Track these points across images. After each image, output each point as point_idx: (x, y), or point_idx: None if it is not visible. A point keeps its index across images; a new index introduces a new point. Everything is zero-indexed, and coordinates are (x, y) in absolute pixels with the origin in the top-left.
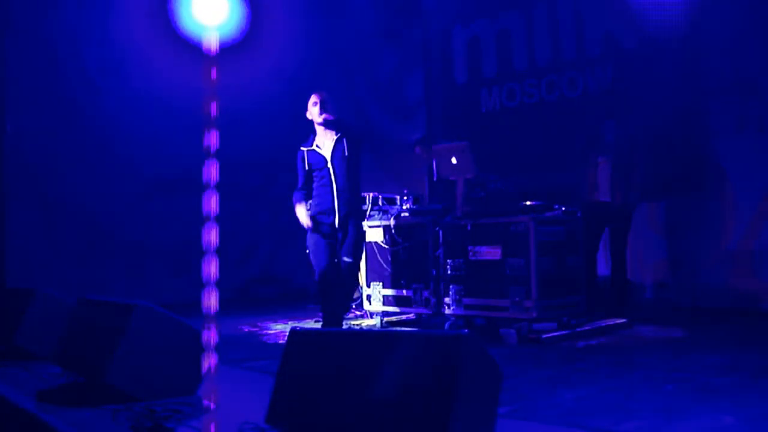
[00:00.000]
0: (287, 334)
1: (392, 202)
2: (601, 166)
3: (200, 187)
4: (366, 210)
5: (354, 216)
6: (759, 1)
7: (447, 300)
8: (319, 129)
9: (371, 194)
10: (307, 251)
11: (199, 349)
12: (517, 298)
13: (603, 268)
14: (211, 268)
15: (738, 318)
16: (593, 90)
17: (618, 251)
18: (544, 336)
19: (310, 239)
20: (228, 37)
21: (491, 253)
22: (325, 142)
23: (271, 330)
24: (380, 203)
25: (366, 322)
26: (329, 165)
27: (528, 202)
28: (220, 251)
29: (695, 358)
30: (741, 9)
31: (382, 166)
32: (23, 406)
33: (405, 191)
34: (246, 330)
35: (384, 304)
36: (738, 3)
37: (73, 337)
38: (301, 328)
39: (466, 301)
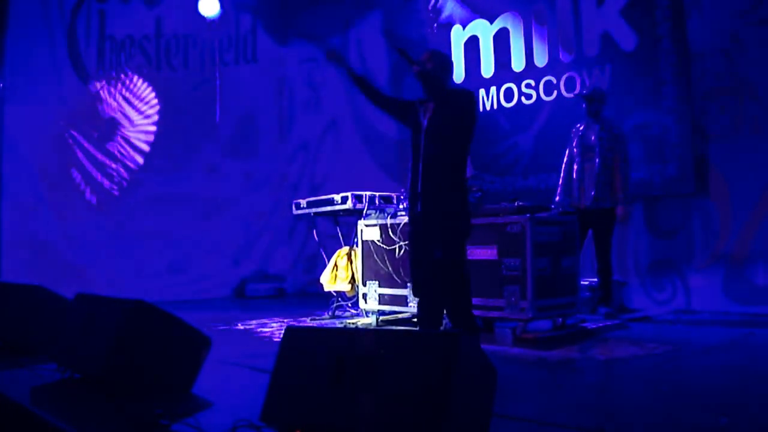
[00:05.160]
0: (282, 332)
1: (389, 200)
2: (585, 169)
3: (197, 184)
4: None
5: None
6: (754, 3)
7: None
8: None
9: (368, 193)
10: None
11: (194, 347)
12: (512, 298)
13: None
14: None
15: (732, 321)
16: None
17: (602, 253)
18: (539, 336)
19: None
20: None
21: (487, 252)
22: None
23: (267, 328)
24: (377, 202)
25: (362, 321)
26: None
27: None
28: (217, 249)
29: (690, 360)
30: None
31: (379, 165)
32: (19, 403)
33: (402, 190)
34: (241, 328)
35: (380, 302)
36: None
37: (70, 333)
38: (297, 326)
39: None
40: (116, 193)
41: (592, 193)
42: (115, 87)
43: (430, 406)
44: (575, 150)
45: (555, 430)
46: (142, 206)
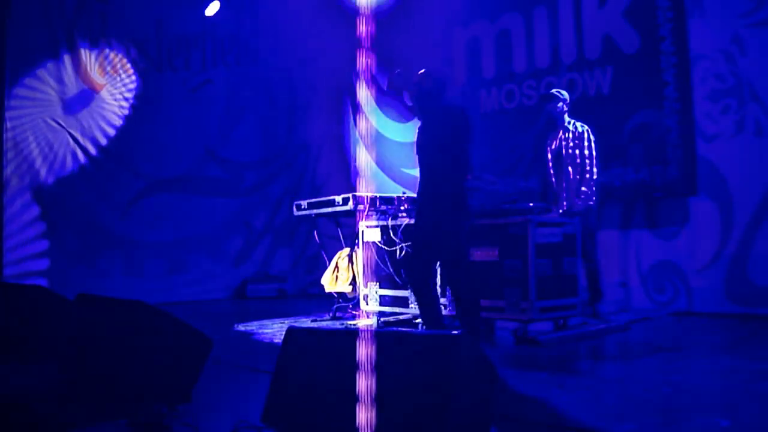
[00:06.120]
0: (284, 333)
1: (390, 202)
2: (557, 173)
3: (198, 186)
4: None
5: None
6: (755, 4)
7: (444, 301)
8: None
9: (369, 194)
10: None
11: (195, 348)
12: (513, 300)
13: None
14: None
15: (733, 322)
16: (592, 92)
17: (585, 254)
18: (541, 337)
19: None
20: None
21: (489, 254)
22: None
23: (268, 329)
24: (378, 203)
25: (363, 322)
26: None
27: (530, 204)
28: (217, 250)
29: (691, 362)
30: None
31: (380, 166)
32: (19, 403)
33: (403, 191)
34: (242, 329)
35: (381, 304)
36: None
37: (71, 334)
38: (298, 327)
39: None
40: (118, 192)
41: (565, 195)
42: (116, 87)
43: (431, 408)
44: (547, 156)
45: None
46: (144, 208)
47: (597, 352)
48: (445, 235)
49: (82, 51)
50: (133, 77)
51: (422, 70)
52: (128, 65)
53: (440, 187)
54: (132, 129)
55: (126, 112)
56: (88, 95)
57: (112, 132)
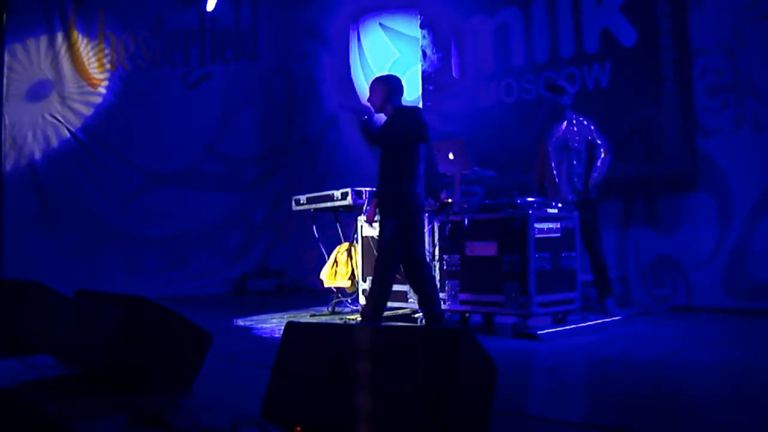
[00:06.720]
0: (283, 327)
1: None
2: (562, 165)
3: (197, 181)
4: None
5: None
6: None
7: (443, 295)
8: None
9: (367, 189)
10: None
11: (195, 343)
12: (512, 294)
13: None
14: None
15: (732, 317)
16: (591, 87)
17: (590, 246)
18: (540, 332)
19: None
20: None
21: (488, 248)
22: None
23: (267, 324)
24: None
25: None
26: None
27: (529, 198)
28: (217, 245)
29: (690, 357)
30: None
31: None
32: (18, 397)
33: None
34: (241, 324)
35: None
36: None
37: (71, 329)
38: (297, 322)
39: (462, 296)
40: (117, 187)
41: (571, 187)
42: (116, 83)
43: (430, 403)
44: (549, 148)
45: (555, 427)
46: (143, 203)
47: (596, 346)
48: (382, 227)
49: (80, 46)
50: (132, 72)
51: (373, 80)
52: (126, 60)
53: (385, 184)
54: (131, 124)
55: (123, 107)
56: (83, 88)
57: (110, 127)
